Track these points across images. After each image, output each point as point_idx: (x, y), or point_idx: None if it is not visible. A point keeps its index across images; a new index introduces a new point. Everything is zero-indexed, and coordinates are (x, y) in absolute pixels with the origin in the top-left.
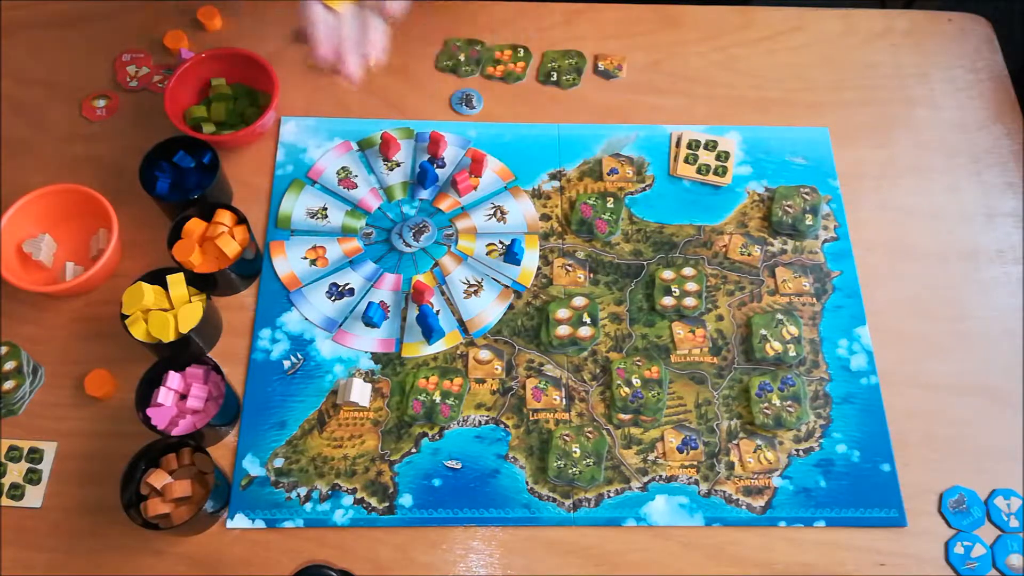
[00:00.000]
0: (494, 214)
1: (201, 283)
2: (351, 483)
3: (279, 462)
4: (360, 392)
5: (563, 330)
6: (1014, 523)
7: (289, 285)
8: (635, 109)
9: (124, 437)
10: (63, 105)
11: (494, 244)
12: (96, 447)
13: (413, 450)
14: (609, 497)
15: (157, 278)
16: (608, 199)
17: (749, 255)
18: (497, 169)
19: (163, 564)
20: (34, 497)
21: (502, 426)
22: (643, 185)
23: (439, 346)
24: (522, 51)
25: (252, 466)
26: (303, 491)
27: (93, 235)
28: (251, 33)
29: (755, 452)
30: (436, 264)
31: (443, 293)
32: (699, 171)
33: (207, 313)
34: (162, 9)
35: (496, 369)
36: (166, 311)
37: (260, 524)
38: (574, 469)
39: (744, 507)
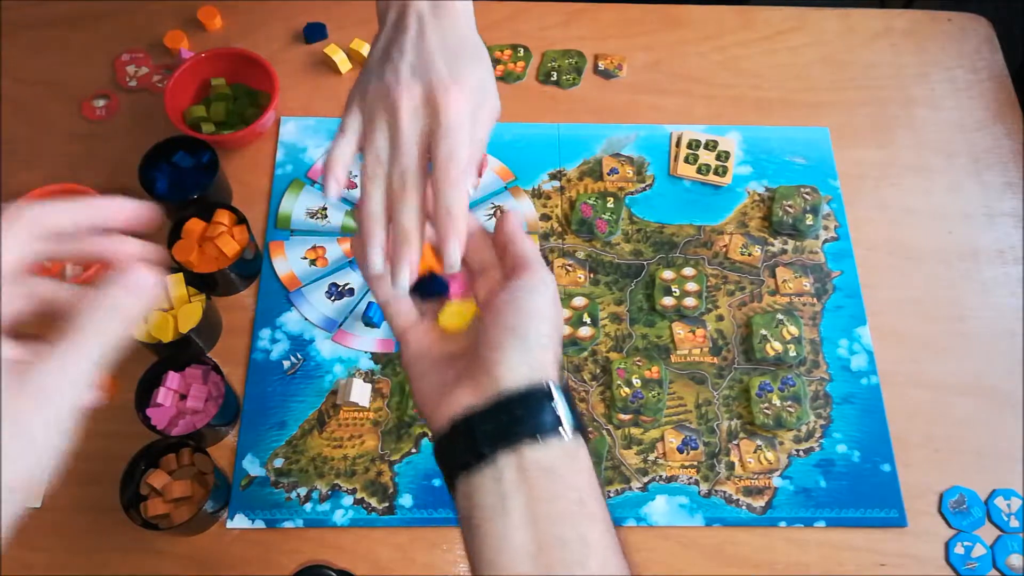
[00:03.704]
0: (494, 214)
1: (201, 283)
2: (351, 483)
3: (279, 462)
4: (360, 392)
5: (563, 330)
6: (1014, 523)
7: (289, 285)
8: (635, 109)
9: (124, 437)
10: (63, 105)
11: None
12: (96, 447)
13: (413, 450)
14: (609, 497)
15: None
16: (608, 199)
17: (749, 255)
18: (497, 169)
19: (163, 564)
20: (34, 497)
21: None
22: (643, 185)
23: None
24: (522, 51)
25: (252, 466)
26: (303, 491)
27: None
28: (251, 33)
29: (755, 452)
30: None
31: None
32: (699, 171)
33: (207, 313)
34: (162, 9)
35: None
36: (166, 311)
37: (260, 524)
38: None
39: (744, 507)
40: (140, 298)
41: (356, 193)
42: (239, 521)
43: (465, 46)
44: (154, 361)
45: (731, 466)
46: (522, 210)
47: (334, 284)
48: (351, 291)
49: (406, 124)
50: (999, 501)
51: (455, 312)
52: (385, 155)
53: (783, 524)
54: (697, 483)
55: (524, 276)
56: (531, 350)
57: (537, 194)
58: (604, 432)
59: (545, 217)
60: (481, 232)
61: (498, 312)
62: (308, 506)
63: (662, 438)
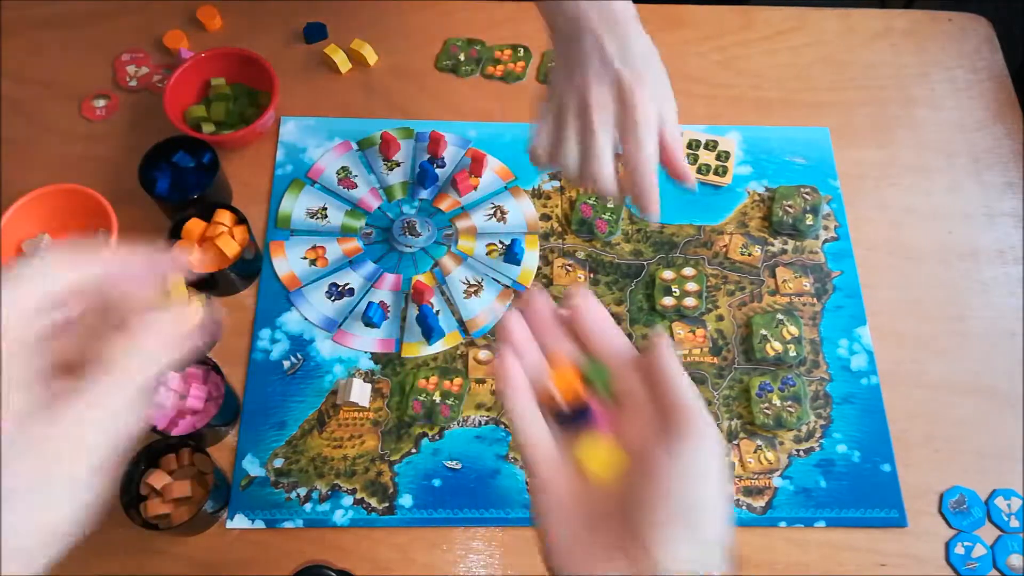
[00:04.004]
0: (494, 214)
1: (201, 283)
2: (351, 483)
3: (279, 462)
4: (360, 392)
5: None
6: (1014, 523)
7: (289, 285)
8: None
9: None
10: (63, 105)
11: (494, 244)
12: None
13: (413, 450)
14: None
15: None
16: (608, 199)
17: (749, 255)
18: (497, 169)
19: (163, 564)
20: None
21: (502, 426)
22: None
23: (439, 346)
24: (522, 51)
25: (252, 466)
26: (303, 491)
27: (93, 235)
28: (251, 33)
29: (755, 452)
30: (436, 264)
31: (443, 293)
32: (699, 171)
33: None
34: (162, 9)
35: None
36: None
37: (260, 524)
38: None
39: (744, 507)
40: (170, 346)
41: (355, 193)
42: (239, 521)
43: (639, 48)
44: None
45: (731, 466)
46: (522, 210)
47: (334, 284)
48: (351, 291)
49: (597, 119)
50: (999, 501)
51: (601, 456)
52: (575, 154)
53: (783, 524)
54: None
55: (687, 431)
56: (702, 540)
57: (537, 194)
58: None
59: (545, 217)
60: (632, 359)
61: (657, 475)
62: (308, 506)
63: None
